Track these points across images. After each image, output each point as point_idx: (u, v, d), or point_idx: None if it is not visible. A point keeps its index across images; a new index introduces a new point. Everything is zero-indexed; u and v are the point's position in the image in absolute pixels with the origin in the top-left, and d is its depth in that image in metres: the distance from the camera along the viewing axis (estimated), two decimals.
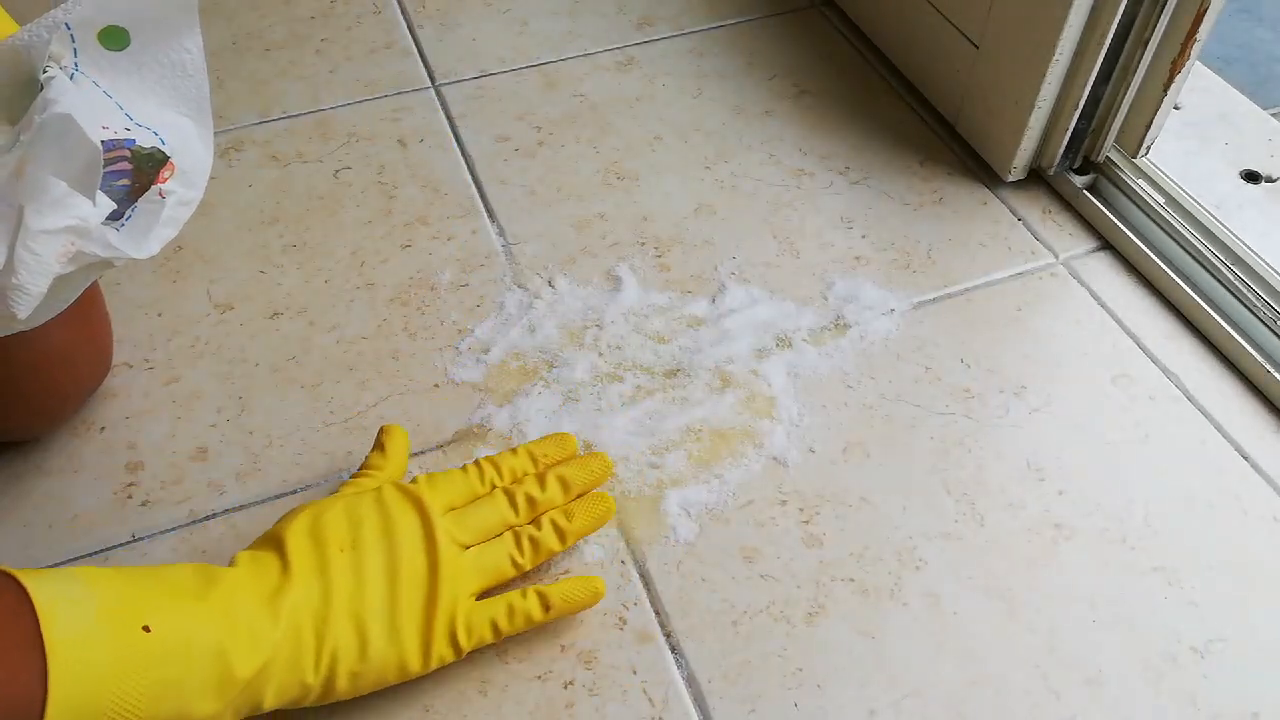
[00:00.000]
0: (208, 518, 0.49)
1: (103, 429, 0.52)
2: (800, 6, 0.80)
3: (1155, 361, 0.56)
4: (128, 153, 0.43)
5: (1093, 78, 0.59)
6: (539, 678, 0.43)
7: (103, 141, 0.43)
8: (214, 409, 0.53)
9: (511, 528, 0.44)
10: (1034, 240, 0.62)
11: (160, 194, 0.43)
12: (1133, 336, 0.57)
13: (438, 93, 0.72)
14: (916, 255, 0.61)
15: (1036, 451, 0.52)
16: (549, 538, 0.44)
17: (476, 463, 0.46)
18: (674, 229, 0.63)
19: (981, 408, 0.53)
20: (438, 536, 0.41)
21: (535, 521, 0.44)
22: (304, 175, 0.66)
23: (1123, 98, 0.60)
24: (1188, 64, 0.57)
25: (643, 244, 0.62)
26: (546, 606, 0.42)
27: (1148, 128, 0.61)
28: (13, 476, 0.50)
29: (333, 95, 0.72)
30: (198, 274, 0.60)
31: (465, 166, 0.67)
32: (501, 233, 0.62)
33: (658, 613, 0.46)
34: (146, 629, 0.33)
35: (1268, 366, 0.53)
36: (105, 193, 0.43)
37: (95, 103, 0.43)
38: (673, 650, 0.45)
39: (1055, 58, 0.58)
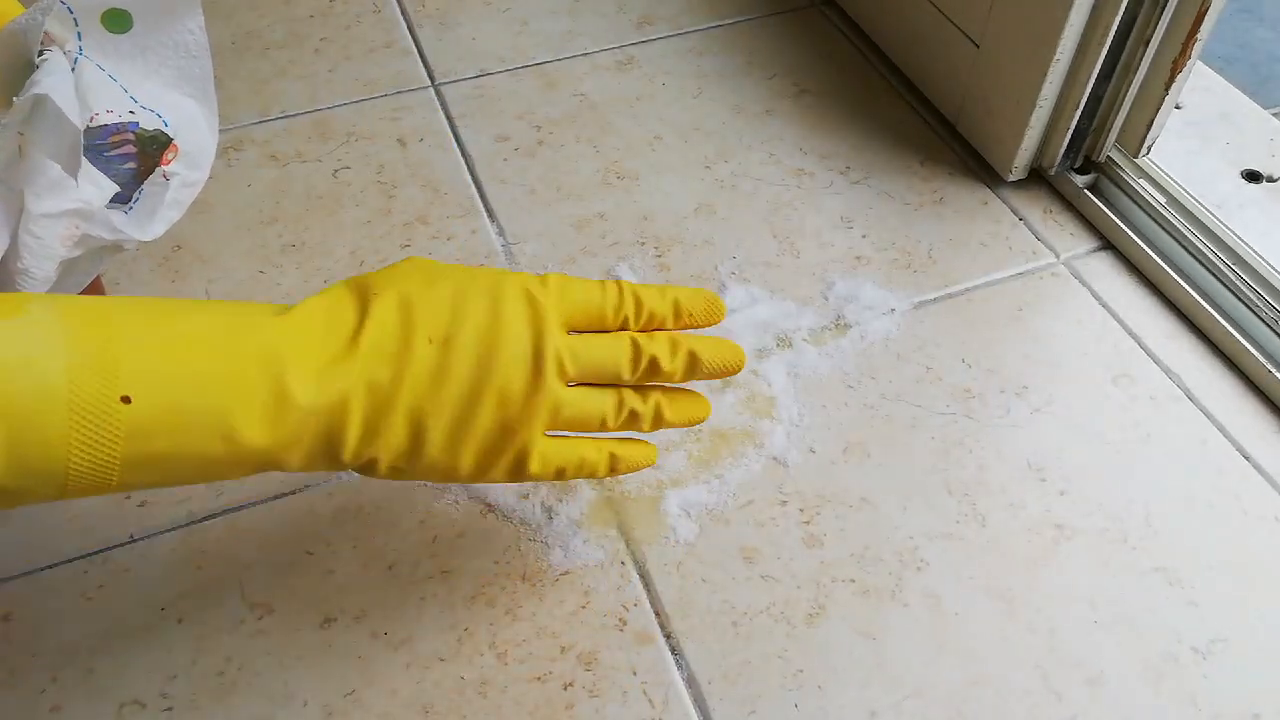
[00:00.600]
0: (207, 518, 0.48)
1: None
2: (800, 5, 0.80)
3: (1156, 361, 0.56)
4: (131, 135, 0.44)
5: (1094, 77, 0.59)
6: (539, 678, 0.43)
7: (105, 125, 0.43)
8: None
9: (620, 384, 0.38)
10: (1035, 240, 0.62)
11: (164, 176, 0.44)
12: (1134, 336, 0.57)
13: (437, 92, 0.72)
14: (917, 255, 0.61)
15: (1037, 451, 0.52)
16: (646, 419, 0.39)
17: (618, 285, 0.39)
18: (674, 229, 0.63)
19: (982, 408, 0.53)
20: (545, 364, 0.35)
21: (642, 391, 0.39)
22: (303, 175, 0.66)
23: (1124, 97, 0.60)
24: (1189, 63, 0.57)
25: (643, 244, 0.62)
26: (613, 467, 0.39)
27: (1149, 127, 0.61)
28: None
29: (332, 95, 0.72)
30: (196, 274, 0.59)
31: (465, 166, 0.67)
32: (501, 232, 0.62)
33: (658, 613, 0.46)
34: (127, 399, 0.28)
35: (1269, 366, 0.53)
36: (111, 176, 0.44)
37: (99, 86, 0.43)
38: (673, 651, 0.44)
39: (1056, 57, 0.58)
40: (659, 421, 0.40)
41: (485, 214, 0.64)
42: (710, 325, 0.41)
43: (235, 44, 0.76)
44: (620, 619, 0.45)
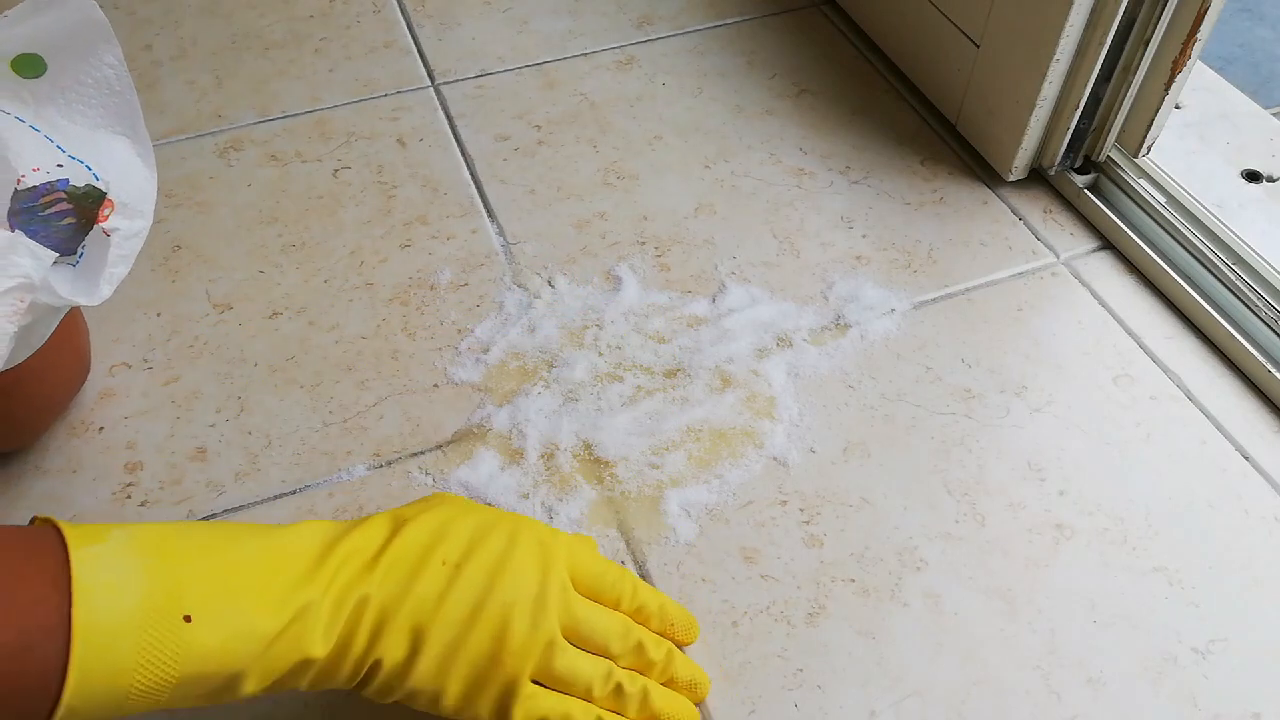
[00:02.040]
0: (207, 518, 0.48)
1: (101, 429, 0.52)
2: (801, 5, 0.80)
3: (1156, 361, 0.56)
4: (63, 194, 0.42)
5: (1094, 77, 0.59)
6: None
7: (34, 187, 0.41)
8: (213, 409, 0.53)
9: (610, 657, 0.39)
10: (1035, 240, 0.62)
11: (105, 232, 0.42)
12: (1134, 336, 0.57)
13: (437, 92, 0.72)
14: (917, 255, 0.61)
15: (1037, 451, 0.52)
16: (633, 697, 0.39)
17: (622, 570, 0.41)
18: (674, 228, 0.63)
19: (982, 408, 0.53)
20: (549, 606, 0.37)
21: (629, 672, 0.39)
22: (303, 175, 0.66)
23: (1124, 97, 0.60)
24: (1189, 63, 0.57)
25: (643, 243, 0.62)
26: None
27: (1149, 127, 0.61)
28: (11, 477, 0.50)
29: (332, 95, 0.72)
30: (196, 273, 0.59)
31: (465, 166, 0.67)
32: (501, 232, 0.62)
33: None
34: (187, 619, 0.31)
35: (1269, 366, 0.53)
36: (52, 233, 0.41)
37: (21, 141, 0.41)
38: None
39: (1056, 57, 0.58)
40: (644, 707, 0.39)
41: (485, 214, 0.64)
42: (684, 643, 0.43)
43: (235, 44, 0.76)
44: None
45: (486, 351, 0.55)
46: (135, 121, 0.45)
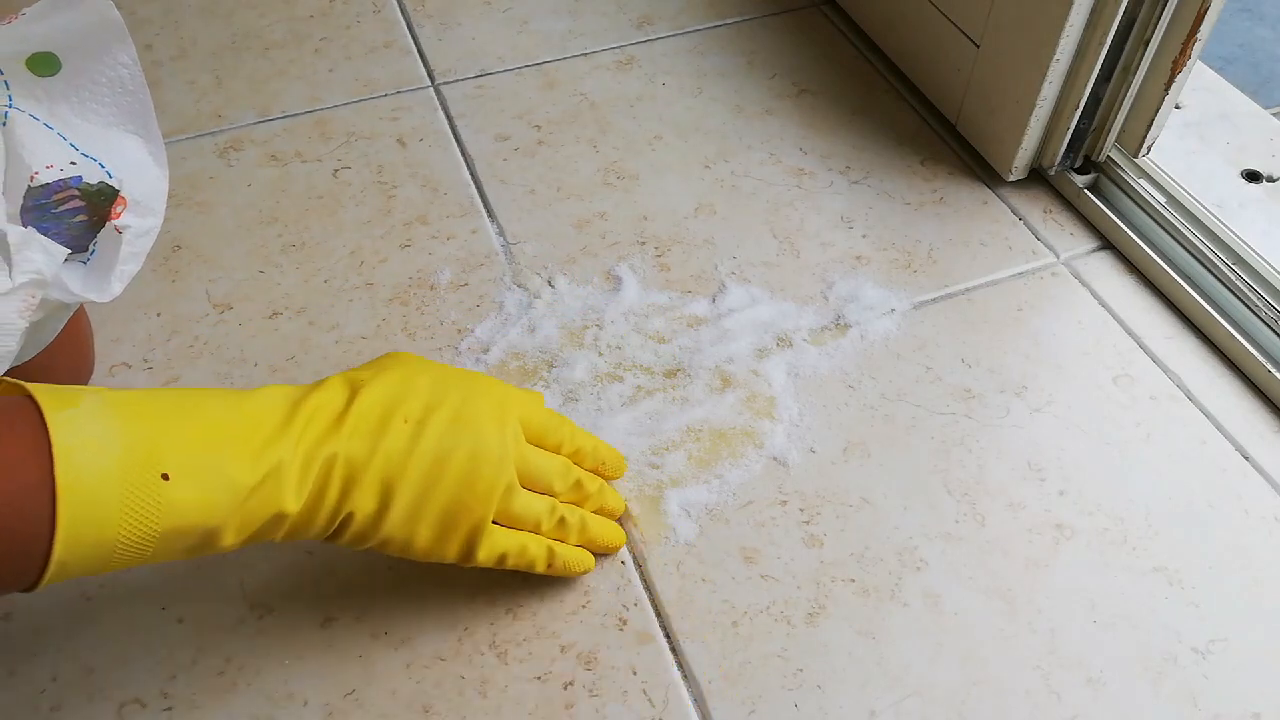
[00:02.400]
0: None
1: None
2: (801, 5, 0.80)
3: (1156, 361, 0.56)
4: (76, 191, 0.42)
5: (1094, 77, 0.59)
6: (539, 678, 0.43)
7: (46, 184, 0.41)
8: None
9: (553, 494, 0.44)
10: (1035, 240, 0.62)
11: (116, 229, 0.42)
12: (1134, 336, 0.57)
13: (437, 92, 0.72)
14: (917, 255, 0.61)
15: (1037, 451, 0.52)
16: (572, 526, 0.44)
17: (562, 418, 0.46)
18: (674, 228, 0.63)
19: (982, 408, 0.53)
20: (506, 457, 0.40)
21: (568, 505, 0.44)
22: (303, 175, 0.66)
23: (1124, 97, 0.60)
24: (1189, 63, 0.57)
25: (643, 243, 0.62)
26: (549, 564, 0.43)
27: (1149, 127, 0.61)
28: None
29: (332, 94, 0.72)
30: (196, 273, 0.59)
31: (465, 166, 0.67)
32: (501, 232, 0.62)
33: (658, 613, 0.46)
34: (165, 476, 0.32)
35: (1268, 366, 0.53)
36: (64, 230, 0.42)
37: (35, 139, 0.41)
38: (673, 650, 0.44)
39: (1056, 57, 0.58)
40: (584, 533, 0.45)
41: (485, 214, 0.64)
42: (612, 479, 0.48)
43: (235, 44, 0.76)
44: (620, 619, 0.45)
45: (486, 351, 0.55)
46: (148, 121, 0.45)
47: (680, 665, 0.44)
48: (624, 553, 0.47)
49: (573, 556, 0.44)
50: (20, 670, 0.43)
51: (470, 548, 0.41)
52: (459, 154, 0.68)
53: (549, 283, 0.59)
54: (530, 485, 0.42)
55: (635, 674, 0.44)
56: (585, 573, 0.46)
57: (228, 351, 0.55)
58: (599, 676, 0.43)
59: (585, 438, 0.46)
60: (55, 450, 0.30)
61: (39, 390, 0.32)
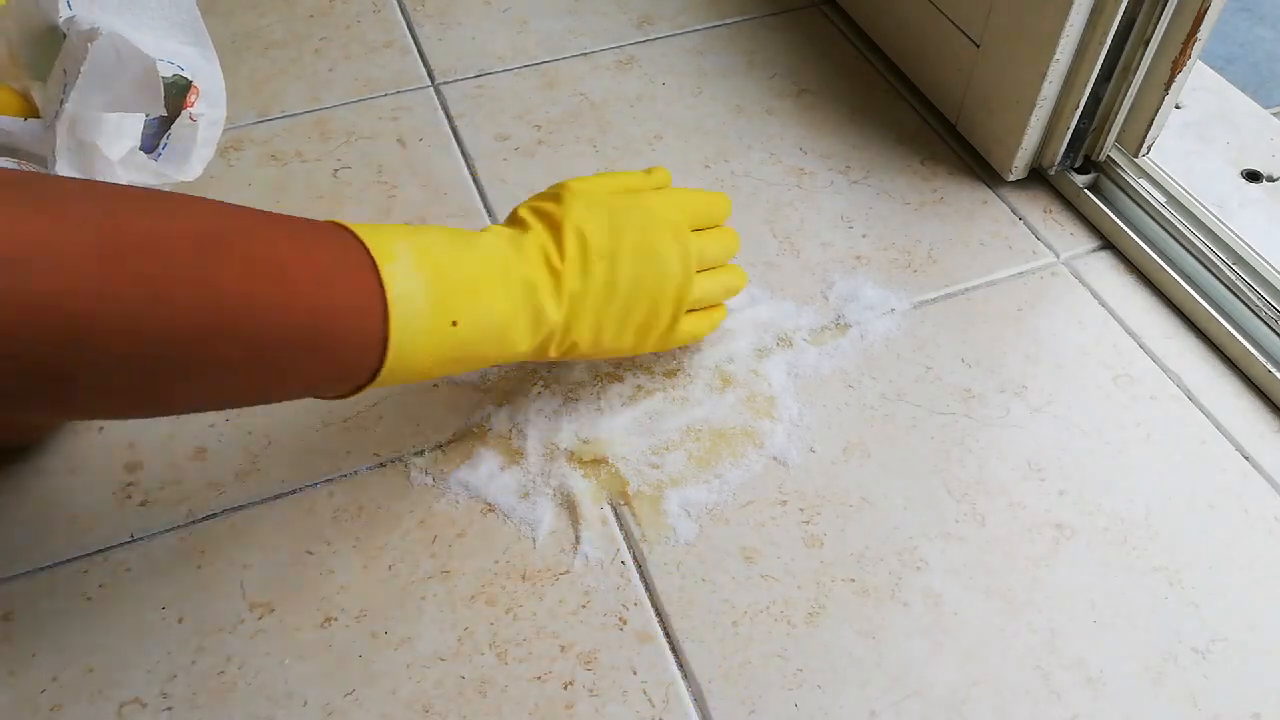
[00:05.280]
0: (207, 518, 0.48)
1: (101, 429, 0.52)
2: (801, 5, 0.80)
3: (1156, 361, 0.56)
4: None
5: (1094, 77, 0.59)
6: (539, 678, 0.43)
7: None
8: None
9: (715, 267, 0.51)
10: (1035, 240, 0.62)
11: (191, 118, 0.44)
12: (1134, 336, 0.57)
13: (437, 92, 0.72)
14: (917, 255, 0.61)
15: (1037, 451, 0.52)
16: (720, 290, 0.51)
17: (713, 196, 0.52)
18: None
19: (982, 407, 0.53)
20: (688, 262, 0.47)
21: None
22: (303, 174, 0.66)
23: (1124, 97, 0.60)
24: (1189, 63, 0.57)
25: None
26: (725, 313, 0.53)
27: (1149, 127, 0.61)
28: (10, 477, 0.50)
29: (332, 94, 0.72)
30: None
31: (465, 166, 0.67)
32: None
33: (658, 613, 0.46)
34: (455, 324, 0.40)
35: (1269, 366, 0.53)
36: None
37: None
38: (673, 650, 0.44)
39: (1056, 57, 0.58)
40: (727, 291, 0.52)
41: (485, 214, 0.64)
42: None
43: (235, 44, 0.76)
44: (620, 618, 0.45)
45: None
46: (199, 31, 0.48)
47: (680, 665, 0.44)
48: (624, 552, 0.47)
49: (733, 278, 0.52)
50: (20, 670, 0.43)
51: (665, 340, 0.49)
52: (459, 154, 0.68)
53: None
54: (700, 267, 0.49)
55: (635, 674, 0.44)
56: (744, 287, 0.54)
57: None
58: (599, 676, 0.43)
59: (724, 202, 0.52)
60: (390, 303, 0.38)
61: (369, 238, 0.39)
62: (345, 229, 0.39)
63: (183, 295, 0.32)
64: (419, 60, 0.75)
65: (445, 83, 0.73)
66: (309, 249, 0.38)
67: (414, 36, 0.77)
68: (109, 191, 0.33)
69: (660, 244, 0.46)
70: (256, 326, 0.34)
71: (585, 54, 0.76)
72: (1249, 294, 0.55)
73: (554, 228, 0.45)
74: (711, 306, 0.52)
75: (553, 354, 0.45)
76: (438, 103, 0.71)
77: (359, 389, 0.39)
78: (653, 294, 0.46)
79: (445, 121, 0.70)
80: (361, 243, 0.39)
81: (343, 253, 0.38)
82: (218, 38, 0.75)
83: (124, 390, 0.33)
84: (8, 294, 0.28)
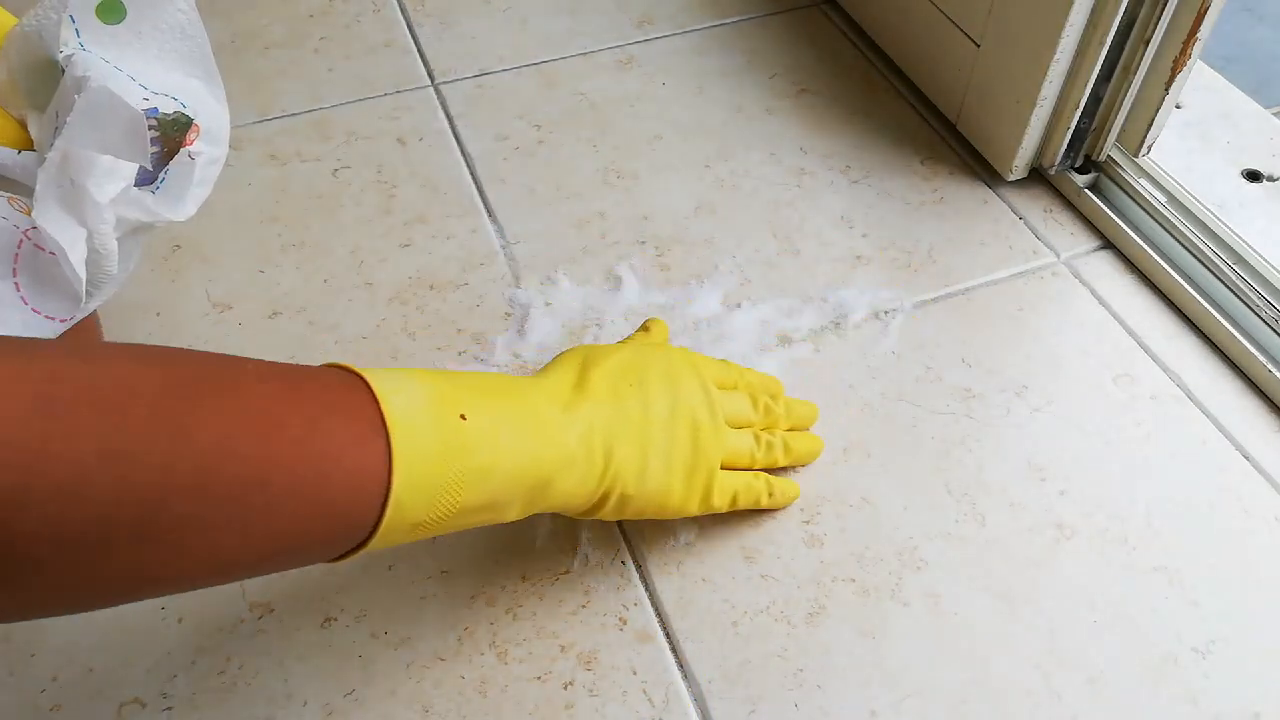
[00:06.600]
0: None
1: None
2: (801, 5, 0.80)
3: (1157, 361, 0.56)
4: (154, 121, 0.45)
5: (1094, 76, 0.59)
6: (539, 678, 0.43)
7: None
8: None
9: (751, 426, 0.47)
10: (1035, 239, 0.62)
11: (190, 156, 0.44)
12: (1134, 336, 0.57)
13: (437, 91, 0.72)
14: (917, 254, 0.61)
15: (1038, 451, 0.52)
16: (778, 448, 0.48)
17: (727, 362, 0.49)
18: (674, 228, 0.63)
19: (983, 407, 0.53)
20: (714, 403, 0.44)
21: (767, 431, 0.48)
22: (303, 174, 0.66)
23: (1124, 97, 0.60)
24: (1189, 63, 0.57)
25: (643, 243, 0.62)
26: (770, 494, 0.47)
27: (1149, 127, 0.61)
28: None
29: (332, 94, 0.72)
30: (196, 273, 0.59)
31: (465, 165, 0.67)
32: (501, 232, 0.62)
33: (658, 613, 0.46)
34: (463, 417, 0.36)
35: (1269, 366, 0.53)
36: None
37: (109, 77, 0.44)
38: (673, 650, 0.44)
39: (1056, 56, 0.58)
40: (790, 451, 0.48)
41: (485, 213, 0.64)
42: (779, 395, 0.51)
43: (235, 44, 0.76)
44: (620, 618, 0.45)
45: (487, 351, 0.55)
46: (208, 65, 0.48)
47: (680, 665, 0.44)
48: (624, 552, 0.47)
49: (786, 486, 0.48)
50: (20, 670, 0.43)
51: (708, 493, 0.44)
52: (459, 154, 0.68)
53: (549, 282, 0.59)
54: (732, 424, 0.46)
55: (635, 674, 0.44)
56: (795, 499, 0.49)
57: (227, 351, 0.55)
58: (599, 676, 0.43)
59: (749, 372, 0.50)
60: (388, 422, 0.34)
61: (371, 378, 0.35)
62: (353, 375, 0.36)
63: (141, 448, 0.28)
64: (419, 60, 0.75)
65: (445, 82, 0.73)
66: (300, 390, 0.34)
67: (414, 36, 0.77)
68: (54, 346, 0.29)
69: (684, 377, 0.44)
70: (233, 477, 0.30)
71: (585, 54, 0.76)
72: (1249, 294, 0.55)
73: (574, 365, 0.43)
74: (762, 473, 0.47)
75: (592, 485, 0.40)
76: (438, 102, 0.71)
77: (359, 546, 0.34)
78: (691, 428, 0.43)
79: (445, 121, 0.70)
80: (362, 379, 0.35)
81: (342, 392, 0.34)
82: (218, 37, 0.75)
83: (65, 567, 0.27)
84: None
